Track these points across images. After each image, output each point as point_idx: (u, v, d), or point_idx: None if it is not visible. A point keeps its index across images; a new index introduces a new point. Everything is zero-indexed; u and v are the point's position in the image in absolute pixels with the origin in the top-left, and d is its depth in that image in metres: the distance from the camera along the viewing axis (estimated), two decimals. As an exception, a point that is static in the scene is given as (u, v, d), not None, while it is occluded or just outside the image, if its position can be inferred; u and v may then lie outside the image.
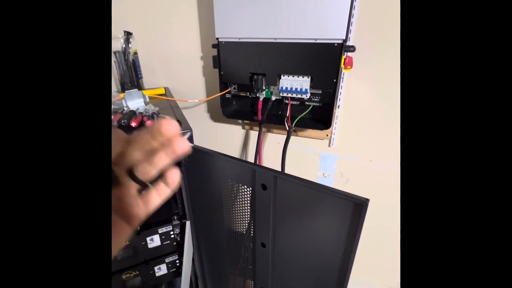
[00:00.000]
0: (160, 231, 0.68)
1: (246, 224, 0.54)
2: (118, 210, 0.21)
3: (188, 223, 0.64)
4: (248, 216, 0.52)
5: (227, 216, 0.58)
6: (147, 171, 0.20)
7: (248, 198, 0.50)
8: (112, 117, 0.53)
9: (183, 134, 0.53)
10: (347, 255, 0.37)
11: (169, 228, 0.69)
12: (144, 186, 0.21)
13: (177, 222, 0.70)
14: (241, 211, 0.54)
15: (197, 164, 0.54)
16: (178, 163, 0.62)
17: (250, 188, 0.46)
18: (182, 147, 0.20)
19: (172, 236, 0.70)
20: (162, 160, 0.20)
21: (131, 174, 0.20)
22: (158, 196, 0.22)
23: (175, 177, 0.22)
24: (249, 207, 0.50)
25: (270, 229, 0.46)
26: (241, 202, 0.52)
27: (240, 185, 0.48)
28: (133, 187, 0.21)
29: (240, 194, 0.50)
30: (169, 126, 0.19)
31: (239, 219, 0.56)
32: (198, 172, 0.55)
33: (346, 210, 0.35)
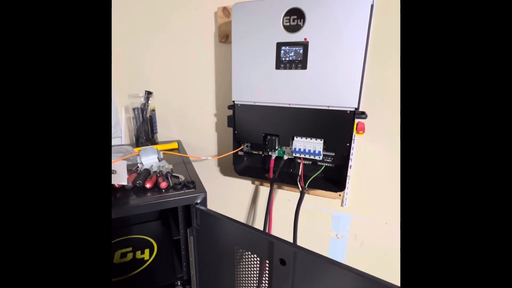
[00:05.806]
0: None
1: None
2: None
3: (193, 292, 0.59)
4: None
5: (238, 286, 0.53)
6: None
7: (257, 268, 0.46)
8: (128, 176, 0.53)
9: (197, 197, 0.52)
10: None
11: (172, 295, 0.63)
12: None
13: (180, 288, 0.64)
14: (253, 282, 0.50)
15: (209, 228, 0.52)
16: (189, 225, 0.60)
17: (267, 261, 0.43)
18: None
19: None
20: None
21: None
22: None
23: None
24: (266, 280, 0.46)
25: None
26: (254, 273, 0.48)
27: (255, 256, 0.45)
28: None
29: (254, 264, 0.47)
30: None
31: (251, 292, 0.51)
32: (209, 237, 0.53)
33: (376, 297, 0.32)
